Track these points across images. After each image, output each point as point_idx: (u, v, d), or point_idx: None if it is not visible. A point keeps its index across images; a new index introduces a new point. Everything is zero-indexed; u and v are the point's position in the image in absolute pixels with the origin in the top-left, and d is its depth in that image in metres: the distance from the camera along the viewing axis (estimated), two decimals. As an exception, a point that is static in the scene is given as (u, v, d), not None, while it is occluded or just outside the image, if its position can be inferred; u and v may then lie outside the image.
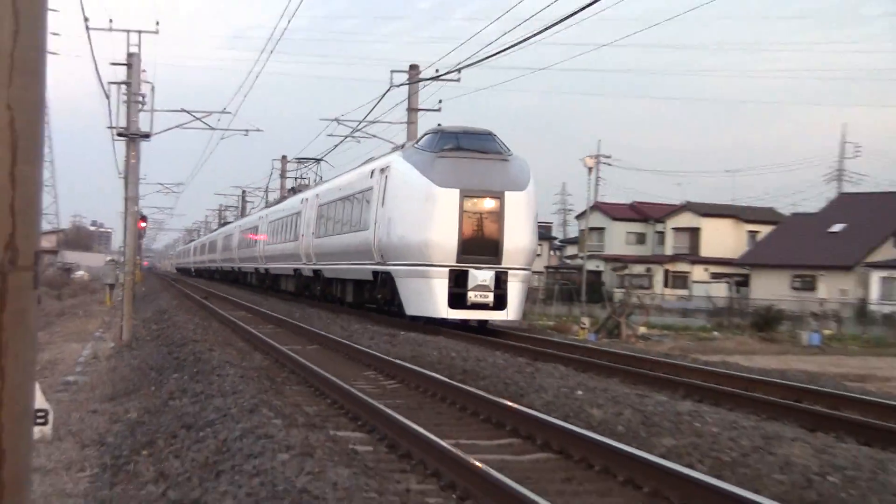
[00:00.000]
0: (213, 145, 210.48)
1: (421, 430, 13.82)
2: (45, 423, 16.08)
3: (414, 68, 53.54)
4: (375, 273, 41.11)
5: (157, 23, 51.83)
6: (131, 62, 42.21)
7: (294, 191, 77.67)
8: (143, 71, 42.68)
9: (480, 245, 34.85)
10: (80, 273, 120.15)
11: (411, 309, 36.44)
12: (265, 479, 10.94)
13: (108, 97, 43.92)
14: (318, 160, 72.85)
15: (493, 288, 34.82)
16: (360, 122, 60.80)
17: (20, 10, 3.21)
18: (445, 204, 34.70)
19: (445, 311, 34.67)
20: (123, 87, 42.11)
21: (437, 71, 49.70)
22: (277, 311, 44.69)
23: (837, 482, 11.73)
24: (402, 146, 42.02)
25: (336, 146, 67.48)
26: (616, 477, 12.30)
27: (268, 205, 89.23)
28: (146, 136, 42.52)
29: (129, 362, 28.81)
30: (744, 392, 20.60)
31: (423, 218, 35.28)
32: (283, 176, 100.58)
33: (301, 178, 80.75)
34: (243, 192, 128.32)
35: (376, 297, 42.51)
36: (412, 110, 54.21)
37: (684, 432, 14.76)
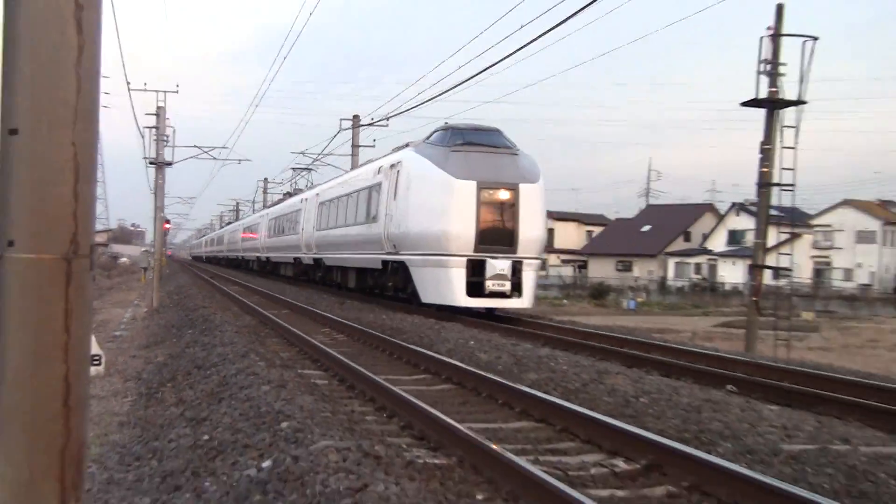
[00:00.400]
0: (216, 170, 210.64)
1: (361, 369, 13.79)
2: (99, 365, 16.02)
3: (356, 117, 56.08)
4: (385, 262, 31.78)
5: (178, 85, 54.17)
6: (159, 113, 43.64)
7: (290, 194, 67.14)
8: (167, 118, 43.85)
9: (497, 235, 26.68)
10: (123, 259, 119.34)
11: (427, 297, 27.80)
12: (253, 403, 10.90)
13: (142, 137, 46.42)
14: (309, 169, 67.74)
15: (510, 276, 26.82)
16: (319, 155, 62.96)
17: (81, 75, 3.19)
18: (463, 195, 26.50)
19: (463, 299, 26.52)
20: (153, 129, 43.43)
21: (372, 119, 52.48)
22: (263, 287, 44.25)
23: (646, 402, 11.86)
24: (407, 145, 32.65)
25: (302, 171, 68.47)
26: (497, 401, 12.32)
27: (267, 206, 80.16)
28: (169, 163, 44.42)
29: (158, 322, 28.78)
30: (584, 341, 20.71)
31: (440, 209, 26.90)
32: (265, 192, 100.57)
33: (294, 183, 73.91)
34: (237, 203, 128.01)
35: (387, 284, 32.96)
36: (355, 146, 56.27)
37: (543, 369, 14.83)
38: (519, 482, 7.43)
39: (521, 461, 7.83)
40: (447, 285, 26.62)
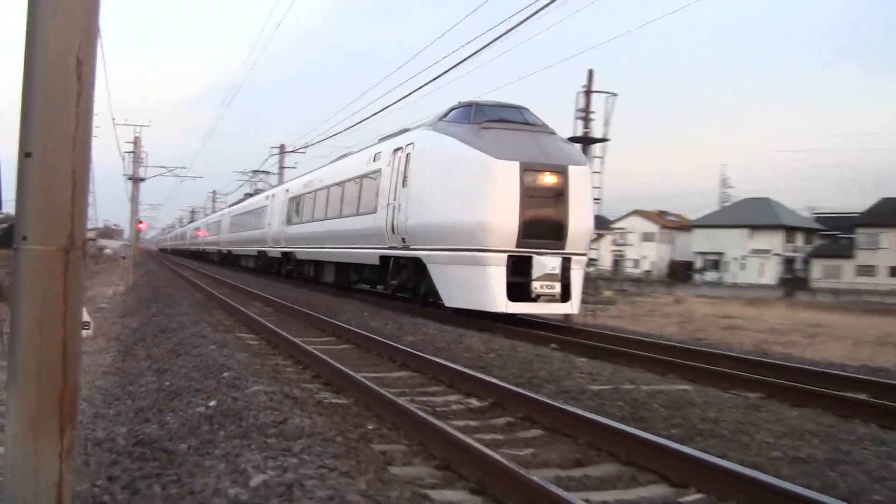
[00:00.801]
0: (177, 184, 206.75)
1: (284, 333, 13.68)
2: (88, 329, 15.66)
3: (282, 146, 57.02)
4: (386, 258, 21.58)
5: (150, 121, 55.06)
6: (136, 141, 44.30)
7: (250, 195, 57.12)
8: (142, 146, 44.68)
9: (543, 227, 17.30)
10: (107, 250, 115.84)
11: (454, 300, 18.22)
12: (203, 358, 10.77)
13: (123, 159, 47.34)
14: (266, 172, 64.15)
15: (560, 277, 17.45)
16: (254, 173, 63.30)
17: (79, 114, 3.22)
18: (504, 179, 17.10)
19: (504, 304, 17.12)
20: (132, 153, 44.21)
21: (294, 148, 53.28)
22: (212, 273, 43.35)
23: (493, 356, 12.02)
24: (405, 130, 22.34)
25: (241, 186, 67.52)
26: (384, 356, 12.35)
27: (229, 205, 67.19)
28: (143, 179, 45.54)
29: (132, 297, 28.32)
30: (447, 313, 20.80)
31: (474, 195, 17.39)
32: (213, 201, 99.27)
33: (254, 184, 65.77)
34: (192, 209, 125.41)
35: (388, 282, 22.19)
36: (281, 168, 56.82)
37: (418, 333, 14.92)
38: (399, 415, 7.49)
39: (400, 400, 7.93)
40: (482, 287, 17.29)
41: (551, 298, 17.32)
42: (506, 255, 16.95)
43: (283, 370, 10.75)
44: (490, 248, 17.02)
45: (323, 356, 10.88)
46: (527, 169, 17.02)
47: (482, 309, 17.32)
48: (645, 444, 6.38)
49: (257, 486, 5.12)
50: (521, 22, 17.60)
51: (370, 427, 7.38)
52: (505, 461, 5.63)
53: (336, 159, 29.87)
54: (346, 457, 5.93)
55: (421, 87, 24.12)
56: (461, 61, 20.42)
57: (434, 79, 22.18)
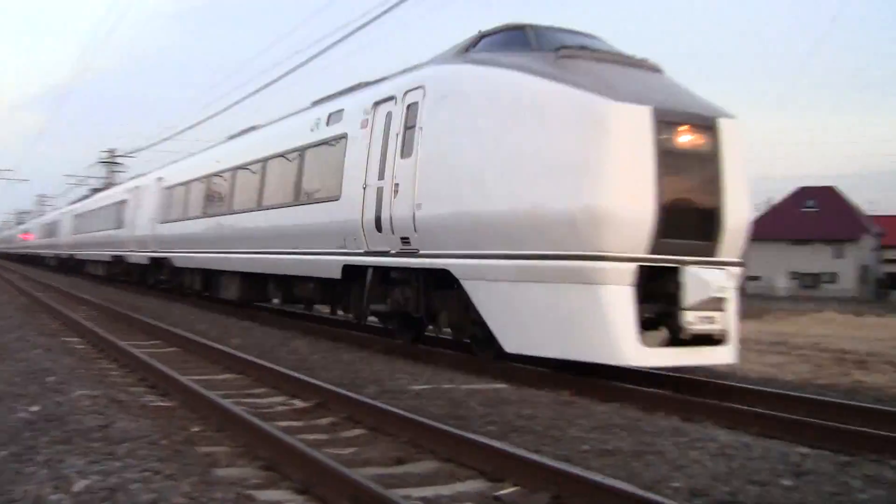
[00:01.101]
0: (3, 188, 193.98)
1: (110, 336, 13.21)
2: None
3: (112, 150, 57.04)
4: (356, 269, 13.15)
5: None
6: None
7: (98, 190, 47.35)
8: None
9: (690, 218, 8.82)
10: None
11: (528, 343, 9.68)
12: (27, 363, 10.34)
13: None
14: (114, 162, 57.70)
15: (724, 302, 8.92)
16: (86, 177, 61.84)
17: None
18: (627, 134, 8.47)
19: (633, 351, 8.41)
20: None
21: (124, 152, 52.39)
22: (36, 277, 40.71)
23: (318, 358, 12.02)
24: (405, 71, 12.62)
25: (71, 189, 64.26)
26: (210, 359, 12.11)
27: (72, 202, 55.03)
28: None
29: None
30: (273, 316, 20.56)
31: (573, 162, 8.61)
32: (40, 205, 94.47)
33: (108, 177, 58.00)
34: (19, 212, 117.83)
35: (367, 308, 13.40)
36: (111, 171, 57.58)
37: (245, 336, 14.73)
38: (223, 417, 7.43)
39: (225, 402, 7.86)
40: (591, 323, 9.02)
41: (709, 339, 9.48)
42: (633, 265, 9.03)
43: (109, 374, 10.40)
44: (605, 252, 8.99)
45: (149, 359, 10.61)
46: (663, 120, 9.16)
47: (589, 360, 9.46)
48: (463, 441, 6.58)
49: (80, 492, 5.02)
50: (350, 34, 17.68)
51: (195, 429, 7.28)
52: (327, 460, 5.74)
53: (243, 131, 21.27)
54: (170, 460, 5.87)
55: (259, 89, 23.66)
56: (293, 69, 20.22)
57: (275, 81, 21.77)
